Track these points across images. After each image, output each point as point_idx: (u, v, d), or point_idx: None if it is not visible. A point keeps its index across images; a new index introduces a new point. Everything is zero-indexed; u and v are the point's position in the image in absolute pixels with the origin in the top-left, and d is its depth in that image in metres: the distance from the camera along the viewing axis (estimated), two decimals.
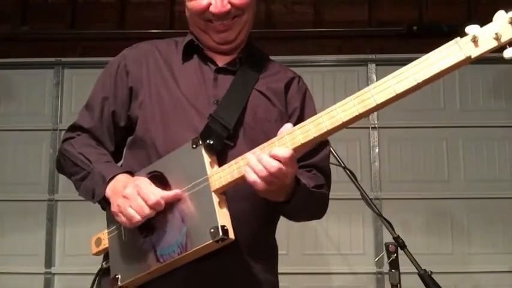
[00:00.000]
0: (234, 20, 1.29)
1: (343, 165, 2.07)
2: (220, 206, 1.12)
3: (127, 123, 1.34)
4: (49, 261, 3.28)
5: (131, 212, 1.11)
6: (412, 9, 3.45)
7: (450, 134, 3.36)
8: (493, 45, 0.87)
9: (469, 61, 0.90)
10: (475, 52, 0.89)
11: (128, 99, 1.33)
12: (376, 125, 3.36)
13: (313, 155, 1.32)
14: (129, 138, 1.35)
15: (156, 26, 3.41)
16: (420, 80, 0.92)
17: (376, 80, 3.71)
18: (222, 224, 1.08)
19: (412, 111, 3.36)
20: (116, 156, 1.37)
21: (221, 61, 1.33)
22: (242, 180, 1.08)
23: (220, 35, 1.30)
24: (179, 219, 1.15)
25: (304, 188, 1.20)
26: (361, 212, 3.24)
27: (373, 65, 3.36)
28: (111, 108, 1.33)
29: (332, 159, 2.07)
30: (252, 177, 1.04)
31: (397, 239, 1.96)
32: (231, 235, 1.10)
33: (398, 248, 1.96)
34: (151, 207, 1.11)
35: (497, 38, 0.86)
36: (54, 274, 3.28)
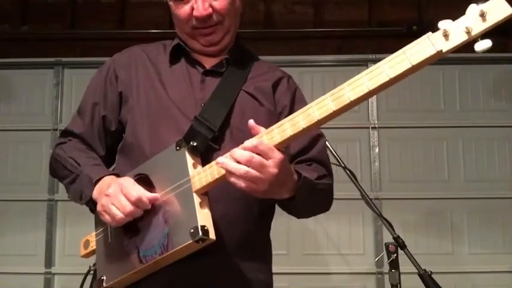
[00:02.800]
0: (216, 27, 1.31)
1: (343, 165, 2.07)
2: (202, 207, 1.12)
3: (118, 128, 1.36)
4: (49, 261, 3.28)
5: (114, 209, 1.12)
6: (412, 9, 3.45)
7: (450, 134, 3.36)
8: (464, 39, 0.87)
9: (440, 55, 0.90)
10: (446, 46, 0.88)
11: (118, 104, 1.35)
12: (376, 125, 3.36)
13: (310, 149, 1.33)
14: (120, 143, 1.36)
15: (156, 26, 3.41)
16: (392, 76, 0.92)
17: None
18: (202, 224, 1.08)
19: (412, 111, 3.36)
20: (109, 160, 1.38)
21: (208, 63, 1.34)
22: (223, 180, 1.07)
23: (206, 38, 1.32)
24: (162, 220, 1.15)
25: (307, 181, 1.19)
26: (361, 212, 3.24)
27: (373, 65, 3.35)
28: (102, 113, 1.35)
29: (332, 159, 2.08)
30: (232, 178, 1.02)
31: (397, 239, 1.96)
32: (212, 235, 1.09)
33: (398, 248, 1.96)
34: (133, 204, 1.11)
35: (468, 32, 0.86)
36: (54, 274, 3.28)
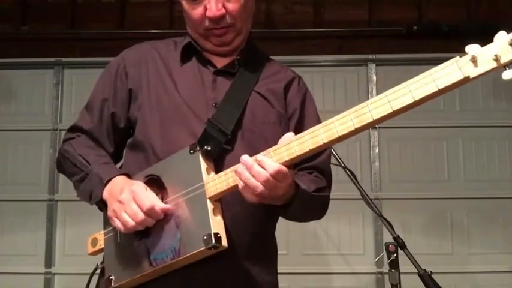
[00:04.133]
0: (228, 28, 1.30)
1: (343, 165, 2.07)
2: (215, 214, 1.12)
3: (127, 125, 1.35)
4: (49, 261, 3.28)
5: (126, 217, 1.12)
6: (412, 9, 3.45)
7: (450, 134, 3.36)
8: (492, 66, 0.86)
9: (467, 81, 0.90)
10: (474, 72, 0.88)
11: (127, 101, 1.34)
12: (376, 125, 3.36)
13: (315, 157, 1.32)
14: (129, 140, 1.35)
15: (156, 26, 3.41)
16: (418, 98, 0.93)
17: (376, 80, 3.69)
18: (215, 232, 1.09)
19: (412, 111, 3.33)
20: (116, 156, 1.37)
21: (220, 63, 1.33)
22: (237, 189, 1.09)
23: (218, 39, 1.31)
24: (174, 225, 1.15)
25: (304, 193, 1.20)
26: (361, 212, 3.24)
27: (373, 65, 3.36)
28: (111, 110, 1.34)
29: (332, 159, 2.07)
30: (240, 185, 1.07)
31: (397, 239, 1.96)
32: (224, 243, 1.10)
33: (398, 248, 1.96)
34: (145, 213, 1.12)
35: (496, 59, 0.86)
36: (54, 274, 3.28)
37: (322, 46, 3.44)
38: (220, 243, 1.09)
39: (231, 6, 1.27)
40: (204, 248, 1.08)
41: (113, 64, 1.38)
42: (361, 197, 2.06)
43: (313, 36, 3.46)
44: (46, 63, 3.49)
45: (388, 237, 2.04)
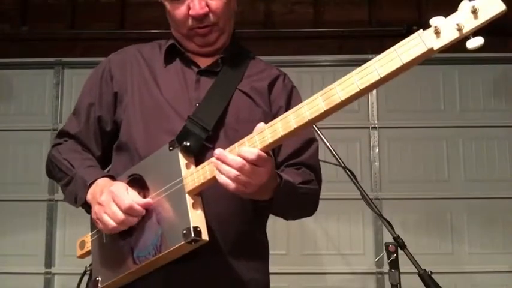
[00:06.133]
0: (212, 27, 1.30)
1: (343, 165, 2.07)
2: (194, 207, 1.11)
3: (113, 128, 1.35)
4: (49, 261, 3.29)
5: (106, 218, 1.13)
6: (412, 9, 3.45)
7: (450, 134, 3.36)
8: (456, 36, 0.84)
9: (432, 53, 0.87)
10: (437, 44, 0.86)
11: (113, 104, 1.35)
12: (376, 125, 3.36)
13: (301, 153, 1.32)
14: (115, 143, 1.36)
15: (156, 26, 3.40)
16: (383, 75, 0.90)
17: None
18: (195, 225, 1.08)
19: (412, 111, 3.36)
20: (104, 160, 1.38)
21: (203, 63, 1.34)
22: (215, 181, 1.07)
23: (202, 39, 1.32)
24: (155, 221, 1.15)
25: (288, 184, 1.19)
26: (361, 212, 3.24)
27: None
28: (97, 114, 1.35)
29: (332, 159, 2.08)
30: (222, 179, 1.04)
31: (397, 239, 1.96)
32: (205, 236, 1.09)
33: (398, 248, 1.95)
34: (125, 212, 1.12)
35: (459, 29, 0.84)
36: (54, 274, 3.28)
37: (322, 46, 3.45)
38: (200, 237, 1.08)
39: (214, 4, 1.28)
40: (183, 242, 1.07)
41: (99, 68, 1.39)
42: (361, 197, 2.06)
43: (313, 36, 3.46)
44: (46, 63, 3.50)
45: (388, 237, 2.04)
